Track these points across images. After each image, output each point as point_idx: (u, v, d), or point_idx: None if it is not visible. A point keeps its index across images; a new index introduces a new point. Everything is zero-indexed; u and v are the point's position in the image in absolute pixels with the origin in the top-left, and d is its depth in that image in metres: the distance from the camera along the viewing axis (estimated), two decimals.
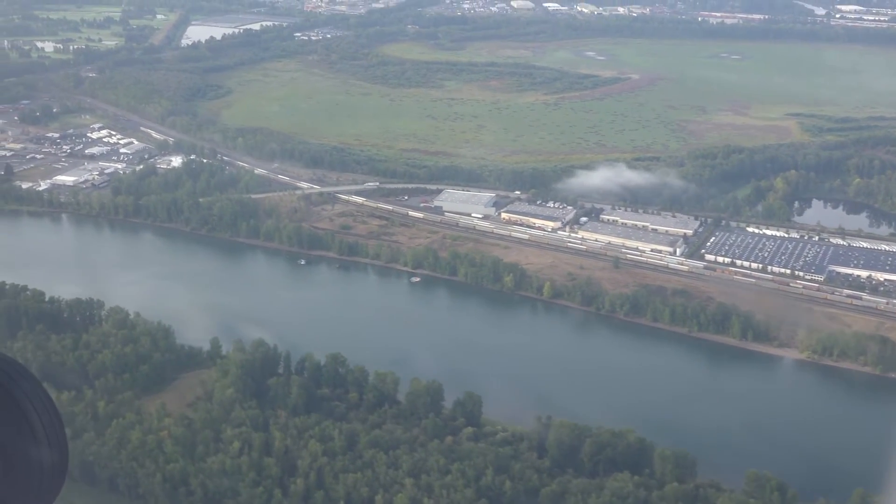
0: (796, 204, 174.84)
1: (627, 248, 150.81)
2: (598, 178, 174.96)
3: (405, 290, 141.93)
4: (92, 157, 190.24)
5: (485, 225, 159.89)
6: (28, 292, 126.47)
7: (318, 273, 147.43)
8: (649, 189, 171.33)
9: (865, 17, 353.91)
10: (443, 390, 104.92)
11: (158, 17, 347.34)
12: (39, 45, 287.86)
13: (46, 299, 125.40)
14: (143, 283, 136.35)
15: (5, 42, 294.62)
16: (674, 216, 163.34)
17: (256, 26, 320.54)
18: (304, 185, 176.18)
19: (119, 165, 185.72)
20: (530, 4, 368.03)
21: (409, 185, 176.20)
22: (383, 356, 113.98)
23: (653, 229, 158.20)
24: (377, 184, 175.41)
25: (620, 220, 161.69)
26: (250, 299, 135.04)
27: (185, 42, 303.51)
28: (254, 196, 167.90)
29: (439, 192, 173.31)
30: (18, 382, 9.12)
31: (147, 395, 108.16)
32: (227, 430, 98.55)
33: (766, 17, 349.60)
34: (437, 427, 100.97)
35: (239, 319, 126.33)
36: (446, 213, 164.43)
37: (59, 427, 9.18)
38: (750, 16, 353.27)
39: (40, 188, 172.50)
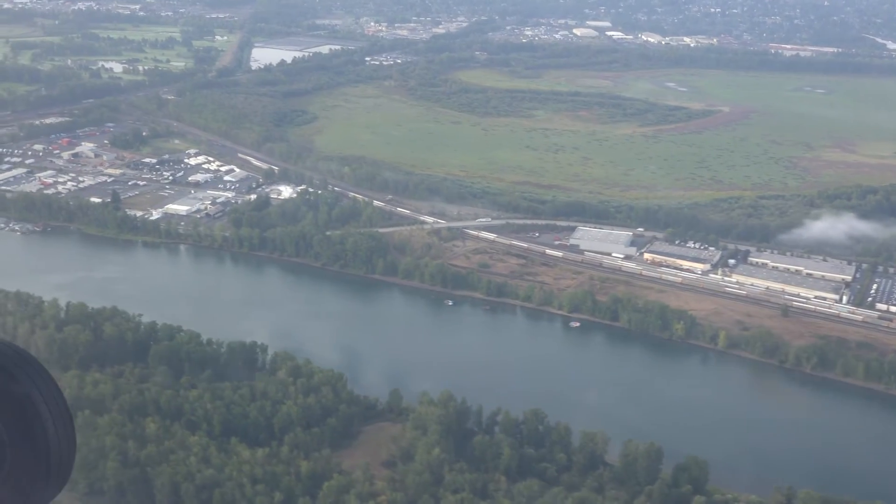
0: None
1: (789, 294, 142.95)
2: (819, 228, 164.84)
3: (566, 335, 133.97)
4: (196, 185, 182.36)
5: (631, 266, 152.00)
6: (183, 333, 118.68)
7: (468, 315, 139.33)
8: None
9: None
10: (663, 454, 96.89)
11: (218, 38, 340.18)
12: (107, 65, 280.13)
13: (203, 341, 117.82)
14: (290, 324, 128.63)
15: (68, 61, 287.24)
16: (825, 260, 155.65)
17: (325, 50, 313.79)
18: (427, 218, 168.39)
19: (228, 194, 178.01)
20: (593, 32, 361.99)
21: (538, 221, 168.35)
22: (569, 409, 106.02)
23: (808, 274, 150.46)
24: (505, 220, 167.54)
25: (770, 263, 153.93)
26: (409, 343, 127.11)
27: (253, 65, 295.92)
28: (380, 230, 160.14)
29: (570, 229, 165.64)
30: (25, 370, 9.23)
31: (336, 451, 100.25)
32: (448, 497, 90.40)
33: (839, 50, 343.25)
34: (664, 496, 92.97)
35: (404, 366, 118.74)
36: (585, 253, 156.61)
37: (68, 418, 9.24)
38: (821, 48, 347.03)
39: (153, 217, 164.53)
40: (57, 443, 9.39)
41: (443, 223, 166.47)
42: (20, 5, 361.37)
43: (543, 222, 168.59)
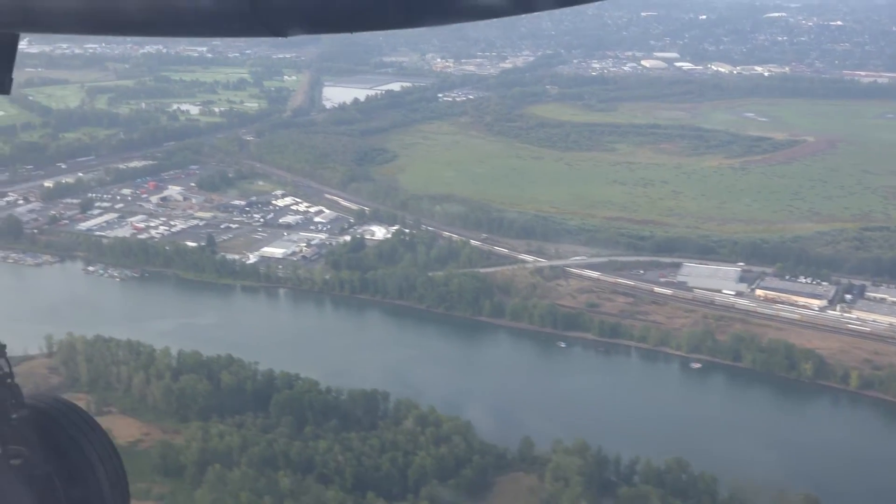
0: None
1: None
2: None
3: (689, 377, 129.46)
4: (288, 227, 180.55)
5: (745, 303, 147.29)
6: (301, 381, 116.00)
7: (583, 357, 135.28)
8: None
9: None
10: None
11: (286, 77, 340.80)
12: (183, 107, 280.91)
13: (322, 389, 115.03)
14: (403, 370, 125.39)
15: (143, 104, 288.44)
16: None
17: (395, 87, 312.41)
18: (527, 257, 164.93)
19: (321, 236, 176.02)
20: (662, 64, 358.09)
21: (641, 258, 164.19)
22: (709, 457, 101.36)
23: None
24: (607, 257, 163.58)
25: (890, 299, 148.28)
26: (528, 388, 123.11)
27: (326, 104, 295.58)
28: (481, 270, 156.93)
29: (675, 265, 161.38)
30: (71, 417, 10.40)
31: None
32: None
33: None
34: None
35: (526, 412, 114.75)
36: (695, 290, 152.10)
37: (117, 460, 10.44)
38: None
39: (250, 261, 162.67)
40: (108, 484, 10.43)
41: (544, 262, 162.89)
42: (90, 50, 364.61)
43: (646, 259, 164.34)
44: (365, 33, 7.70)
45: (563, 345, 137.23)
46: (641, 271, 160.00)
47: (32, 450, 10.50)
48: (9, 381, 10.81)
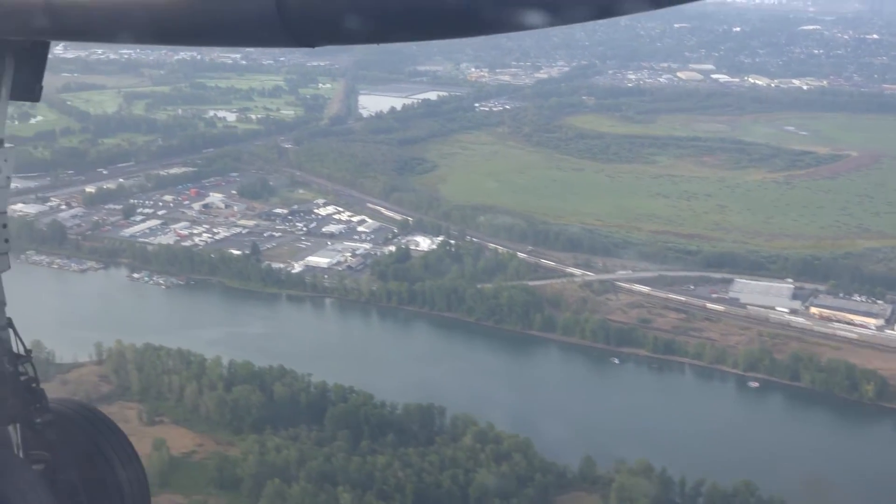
0: None
1: None
2: None
3: (746, 396, 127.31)
4: (331, 237, 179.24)
5: (800, 321, 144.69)
6: (356, 394, 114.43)
7: (637, 373, 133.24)
8: None
9: None
10: None
11: (321, 85, 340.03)
12: (219, 114, 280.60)
13: (377, 403, 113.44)
14: (455, 383, 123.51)
15: (179, 110, 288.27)
16: None
17: (431, 96, 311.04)
18: (574, 271, 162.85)
19: (365, 246, 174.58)
20: (698, 76, 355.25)
21: (690, 273, 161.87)
22: (780, 480, 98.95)
23: None
24: (657, 271, 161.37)
25: None
26: (583, 405, 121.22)
27: (363, 112, 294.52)
28: (529, 283, 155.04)
29: (726, 281, 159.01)
30: (92, 422, 11.08)
31: None
32: None
33: None
34: None
35: (584, 429, 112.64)
36: (748, 307, 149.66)
37: (138, 464, 10.93)
38: None
39: (296, 270, 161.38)
40: (129, 490, 10.88)
41: (592, 276, 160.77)
42: (125, 56, 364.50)
43: (695, 274, 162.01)
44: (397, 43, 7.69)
45: (616, 361, 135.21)
46: (692, 286, 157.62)
47: (56, 455, 10.91)
48: (34, 385, 11.17)
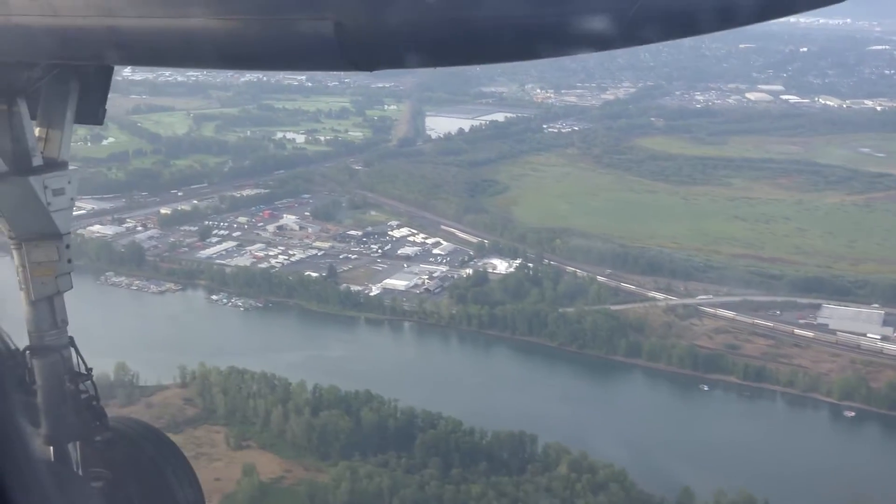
0: None
1: None
2: None
3: (843, 426, 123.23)
4: (407, 259, 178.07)
5: (894, 348, 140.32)
6: (444, 421, 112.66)
7: (728, 401, 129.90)
8: None
9: None
10: None
11: (387, 107, 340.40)
12: (288, 135, 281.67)
13: (466, 429, 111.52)
14: (549, 410, 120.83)
15: (248, 132, 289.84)
16: None
17: (499, 117, 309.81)
18: (656, 295, 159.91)
19: (441, 268, 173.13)
20: (768, 97, 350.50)
21: (776, 298, 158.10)
22: None
23: None
24: (741, 296, 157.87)
25: None
26: (677, 433, 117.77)
27: (431, 133, 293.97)
28: (611, 307, 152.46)
29: (813, 307, 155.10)
30: (163, 452, 11.21)
31: None
32: None
33: None
34: None
35: (680, 458, 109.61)
36: (837, 333, 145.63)
37: (194, 479, 11.01)
38: None
39: (373, 293, 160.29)
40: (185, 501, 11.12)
41: (675, 300, 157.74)
42: (192, 78, 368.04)
43: (781, 299, 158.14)
44: None
45: (705, 388, 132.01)
46: (778, 312, 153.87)
47: (114, 472, 11.04)
48: (94, 403, 11.31)
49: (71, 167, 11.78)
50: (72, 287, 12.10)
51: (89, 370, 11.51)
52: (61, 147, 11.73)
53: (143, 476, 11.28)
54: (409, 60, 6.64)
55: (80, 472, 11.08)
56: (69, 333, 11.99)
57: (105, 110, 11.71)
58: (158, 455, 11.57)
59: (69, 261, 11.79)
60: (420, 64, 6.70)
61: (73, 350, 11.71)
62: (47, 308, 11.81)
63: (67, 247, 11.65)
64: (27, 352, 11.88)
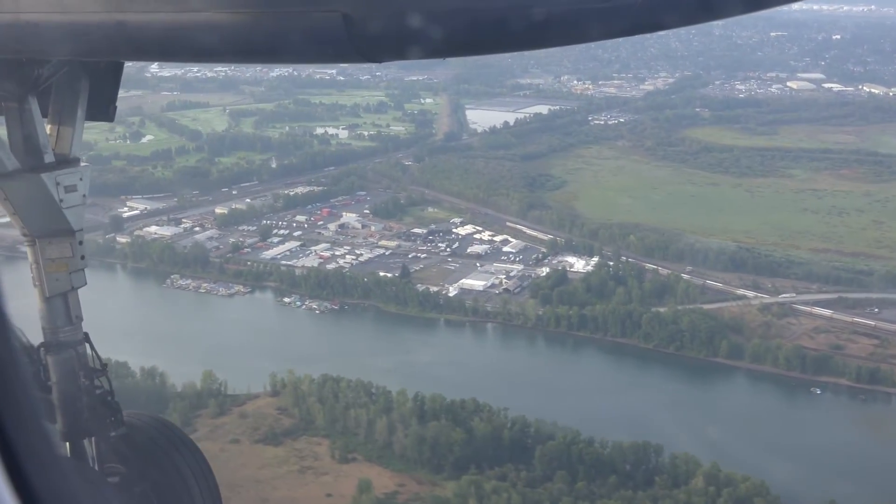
0: None
1: None
2: None
3: None
4: (478, 257, 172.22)
5: None
6: (561, 431, 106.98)
7: (846, 406, 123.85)
8: None
9: None
10: None
11: (424, 100, 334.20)
12: (330, 131, 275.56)
13: (585, 440, 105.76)
14: (662, 417, 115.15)
15: (286, 127, 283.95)
16: None
17: (542, 110, 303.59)
18: (746, 293, 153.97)
19: (516, 267, 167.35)
20: (810, 85, 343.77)
21: (871, 295, 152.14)
22: None
23: None
24: (836, 293, 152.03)
25: None
26: (802, 440, 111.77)
27: (474, 127, 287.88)
28: (704, 306, 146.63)
29: None
30: (178, 447, 11.19)
31: None
32: None
33: None
34: None
35: (815, 467, 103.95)
36: None
37: (217, 495, 10.92)
38: None
39: (451, 293, 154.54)
40: (202, 502, 11.10)
41: (766, 298, 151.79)
42: (222, 74, 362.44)
43: (877, 296, 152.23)
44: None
45: (817, 391, 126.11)
46: (876, 309, 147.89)
47: (130, 467, 11.40)
48: (109, 399, 11.66)
49: (82, 164, 11.82)
50: (86, 283, 12.08)
51: (104, 366, 11.66)
52: (73, 144, 11.83)
53: (159, 471, 11.25)
54: (418, 51, 6.51)
55: (96, 468, 11.11)
56: (83, 329, 12.12)
57: (115, 107, 11.80)
58: (174, 450, 11.53)
59: (83, 257, 11.92)
60: (429, 54, 6.56)
61: (87, 346, 11.85)
62: (62, 304, 11.96)
63: (81, 243, 11.79)
64: (42, 348, 11.93)
